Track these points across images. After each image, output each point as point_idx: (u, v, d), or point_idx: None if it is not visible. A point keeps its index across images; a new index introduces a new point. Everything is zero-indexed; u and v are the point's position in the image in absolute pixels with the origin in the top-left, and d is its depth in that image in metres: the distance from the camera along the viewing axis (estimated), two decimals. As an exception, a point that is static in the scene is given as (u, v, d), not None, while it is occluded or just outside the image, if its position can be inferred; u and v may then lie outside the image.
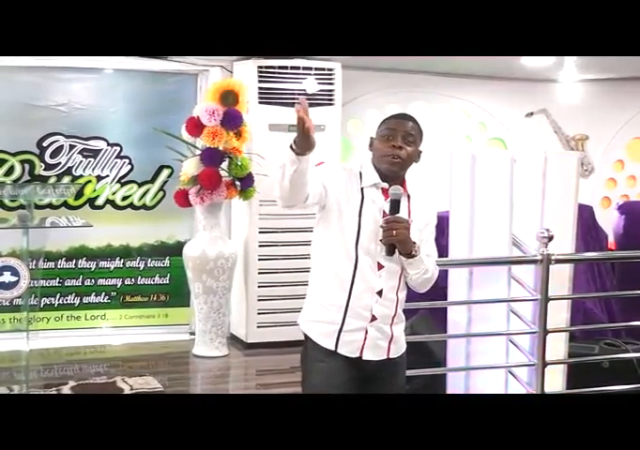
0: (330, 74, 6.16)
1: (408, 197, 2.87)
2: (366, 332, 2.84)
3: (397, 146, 2.81)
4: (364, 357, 2.85)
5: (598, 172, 7.97)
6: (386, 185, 2.84)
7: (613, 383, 4.00)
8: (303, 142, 2.56)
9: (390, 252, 2.78)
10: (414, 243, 2.79)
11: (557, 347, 4.02)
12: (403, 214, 2.82)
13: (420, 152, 2.90)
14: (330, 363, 2.84)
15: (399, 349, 2.94)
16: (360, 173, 2.86)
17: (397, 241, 2.75)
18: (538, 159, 3.93)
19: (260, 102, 6.01)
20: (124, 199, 6.42)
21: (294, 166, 2.58)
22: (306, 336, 2.93)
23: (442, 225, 4.69)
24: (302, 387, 2.98)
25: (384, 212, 2.82)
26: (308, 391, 2.93)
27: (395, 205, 2.78)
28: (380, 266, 2.82)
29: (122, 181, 6.39)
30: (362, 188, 2.83)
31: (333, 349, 2.83)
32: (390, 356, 2.90)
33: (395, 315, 2.89)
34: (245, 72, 6.12)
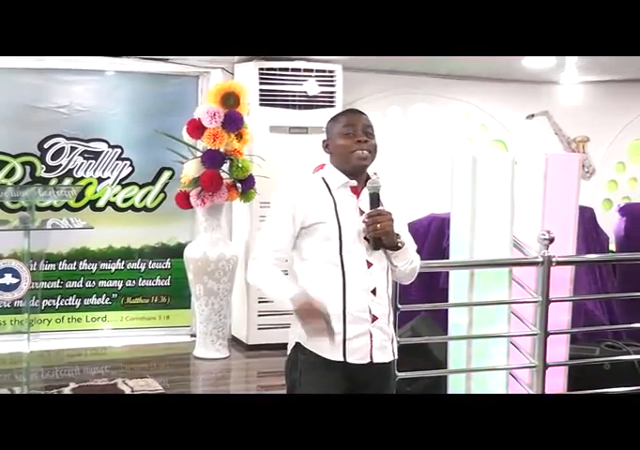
0: (331, 76, 6.17)
1: None
2: (371, 335, 2.78)
3: (362, 140, 2.79)
4: (375, 360, 2.78)
5: (599, 173, 7.97)
6: (354, 182, 2.81)
7: (614, 385, 3.99)
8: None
9: (377, 246, 2.75)
10: (397, 234, 2.78)
11: (558, 349, 4.02)
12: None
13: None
14: (319, 372, 2.78)
15: (395, 348, 2.90)
16: (323, 178, 2.83)
17: (383, 234, 2.73)
18: (539, 161, 3.93)
19: (261, 104, 6.02)
20: (125, 201, 6.41)
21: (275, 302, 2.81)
22: (297, 349, 2.87)
23: (443, 227, 4.72)
24: None
25: (360, 209, 2.79)
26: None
27: (375, 199, 2.75)
28: (369, 264, 2.78)
29: (123, 183, 6.39)
30: (331, 193, 2.80)
31: (342, 360, 2.75)
32: (395, 357, 2.87)
33: (389, 313, 2.86)
34: (246, 74, 6.13)
